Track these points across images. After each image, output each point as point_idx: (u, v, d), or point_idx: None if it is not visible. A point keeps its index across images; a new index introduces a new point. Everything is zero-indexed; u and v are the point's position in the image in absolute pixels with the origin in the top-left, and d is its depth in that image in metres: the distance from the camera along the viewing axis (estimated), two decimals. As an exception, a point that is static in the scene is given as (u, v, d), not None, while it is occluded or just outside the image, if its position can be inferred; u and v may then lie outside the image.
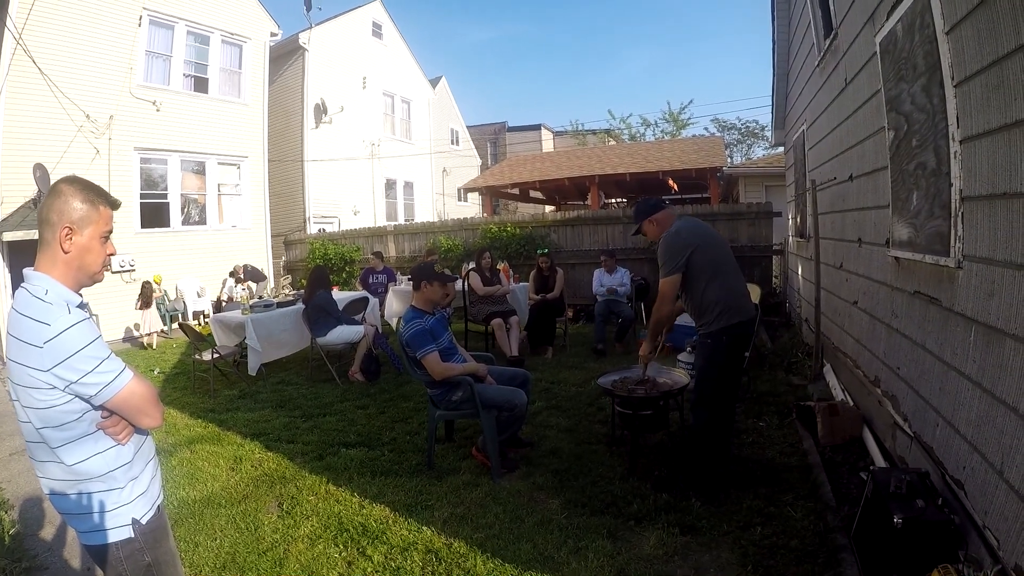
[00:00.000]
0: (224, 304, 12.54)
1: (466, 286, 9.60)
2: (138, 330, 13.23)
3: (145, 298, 12.85)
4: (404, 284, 11.97)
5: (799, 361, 8.08)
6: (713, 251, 4.50)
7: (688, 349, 6.81)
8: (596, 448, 5.61)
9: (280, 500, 4.64)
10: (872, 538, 3.49)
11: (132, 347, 12.66)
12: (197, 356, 8.13)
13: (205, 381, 7.75)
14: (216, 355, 7.90)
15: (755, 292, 8.79)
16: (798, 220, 9.60)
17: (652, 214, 4.71)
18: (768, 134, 15.80)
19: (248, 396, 7.39)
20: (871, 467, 4.31)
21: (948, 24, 3.26)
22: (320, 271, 8.91)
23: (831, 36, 6.40)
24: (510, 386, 5.30)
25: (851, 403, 5.87)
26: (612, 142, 39.18)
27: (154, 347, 12.58)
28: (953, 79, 3.26)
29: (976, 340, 3.19)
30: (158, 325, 13.09)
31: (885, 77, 4.39)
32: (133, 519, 2.21)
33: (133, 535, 2.21)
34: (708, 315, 4.41)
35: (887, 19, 4.19)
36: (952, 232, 3.38)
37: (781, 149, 12.83)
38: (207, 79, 16.63)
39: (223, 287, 14.68)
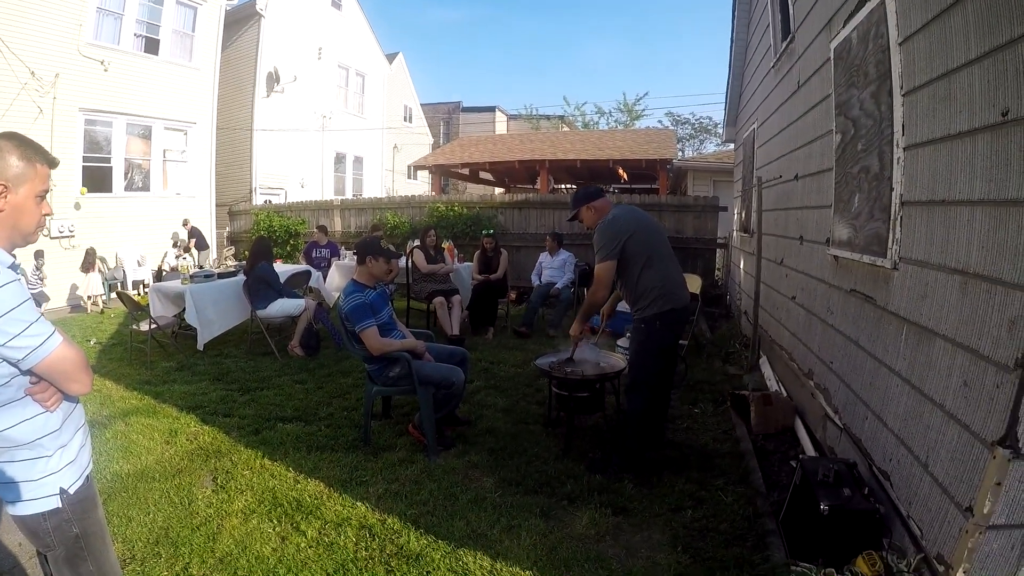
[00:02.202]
0: (165, 274, 12.25)
1: (410, 263, 9.56)
2: (82, 294, 12.87)
3: (88, 262, 12.53)
4: (348, 259, 11.87)
5: (736, 352, 8.32)
6: (649, 238, 4.59)
7: (627, 335, 6.95)
8: (532, 428, 5.69)
9: (215, 474, 4.59)
10: (800, 524, 3.64)
11: (76, 313, 12.28)
12: (134, 326, 7.94)
13: (142, 352, 7.57)
14: (154, 325, 7.72)
15: (696, 283, 8.95)
16: (743, 215, 9.81)
17: (590, 201, 4.78)
18: (720, 130, 16.07)
19: (185, 368, 7.26)
20: (801, 456, 4.48)
21: (902, 35, 3.38)
22: (263, 242, 8.77)
23: (788, 39, 6.53)
24: (448, 364, 5.33)
25: (785, 394, 6.07)
26: (565, 128, 39.31)
27: (100, 310, 12.32)
28: (902, 88, 3.39)
29: (908, 339, 3.34)
30: (100, 290, 12.78)
31: (837, 82, 4.53)
32: (61, 489, 2.15)
33: (61, 505, 2.16)
34: (643, 301, 4.50)
35: (843, 27, 4.31)
36: (890, 234, 3.54)
37: (731, 146, 13.08)
38: (158, 40, 16.02)
39: (164, 257, 14.35)
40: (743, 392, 6.02)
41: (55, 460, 2.14)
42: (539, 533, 3.91)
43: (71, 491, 2.18)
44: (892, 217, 3.52)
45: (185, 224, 14.74)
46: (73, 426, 2.24)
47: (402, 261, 9.41)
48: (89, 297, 12.63)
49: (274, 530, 3.88)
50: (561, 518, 4.13)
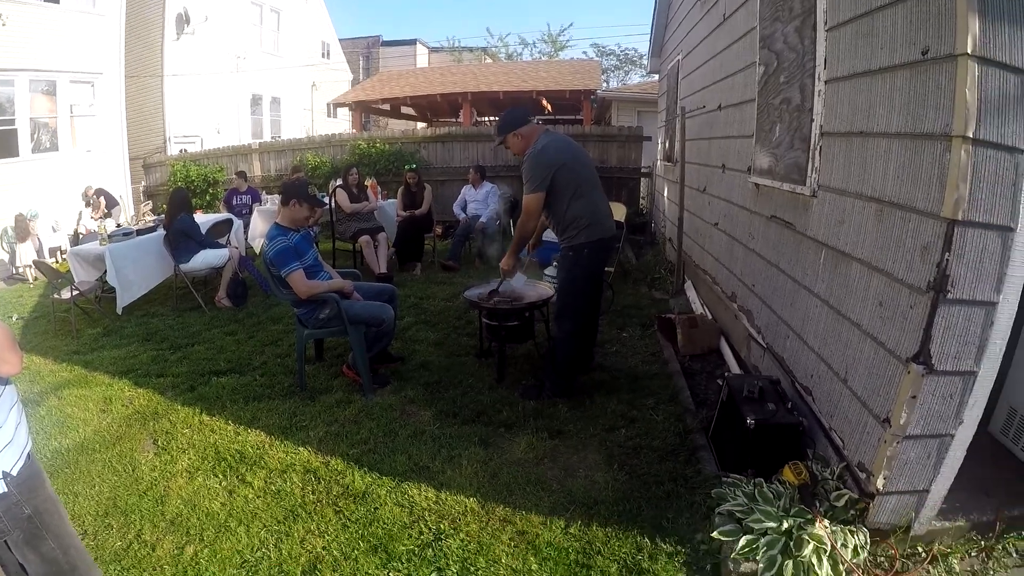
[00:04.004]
0: (82, 237, 11.66)
1: (333, 203, 9.45)
2: (19, 264, 12.14)
3: (20, 232, 11.83)
4: (270, 204, 11.51)
5: (662, 277, 8.54)
6: (579, 169, 4.61)
7: (554, 264, 7.05)
8: (465, 360, 5.78)
9: (155, 437, 4.51)
10: (728, 438, 3.85)
11: (13, 285, 11.60)
12: (56, 295, 7.55)
13: (66, 322, 7.24)
14: (76, 292, 7.35)
15: (621, 211, 9.11)
16: (667, 145, 9.93)
17: (517, 127, 4.70)
18: (645, 62, 16.07)
19: (113, 333, 7.01)
20: (726, 374, 4.70)
21: (828, -28, 3.47)
22: (180, 193, 8.40)
23: (713, -30, 6.53)
24: (377, 302, 5.32)
25: (710, 316, 6.32)
26: (489, 61, 38.63)
27: (32, 282, 11.69)
28: (826, 24, 3.50)
29: (825, 262, 3.54)
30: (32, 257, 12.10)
31: (762, 16, 4.62)
32: (3, 472, 2.12)
33: (7, 489, 2.12)
34: (571, 230, 4.54)
35: (769, -40, 4.39)
36: (810, 164, 3.70)
37: (656, 77, 13.13)
38: (58, -13, 14.71)
39: (79, 219, 13.66)
40: (669, 316, 6.23)
41: None
42: (479, 461, 4.04)
43: (14, 473, 2.15)
44: (812, 147, 3.67)
45: (87, 192, 13.92)
46: (6, 407, 2.19)
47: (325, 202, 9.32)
48: (28, 266, 11.84)
49: (220, 485, 3.87)
50: (500, 445, 4.26)
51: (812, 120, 3.65)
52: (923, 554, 2.96)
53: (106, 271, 7.58)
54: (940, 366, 2.52)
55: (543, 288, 5.49)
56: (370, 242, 9.04)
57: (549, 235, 5.28)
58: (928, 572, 2.89)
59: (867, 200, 3.03)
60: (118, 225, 10.55)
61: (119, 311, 7.52)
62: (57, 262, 12.19)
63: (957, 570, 2.89)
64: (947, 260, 2.36)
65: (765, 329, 4.65)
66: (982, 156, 2.26)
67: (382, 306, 5.19)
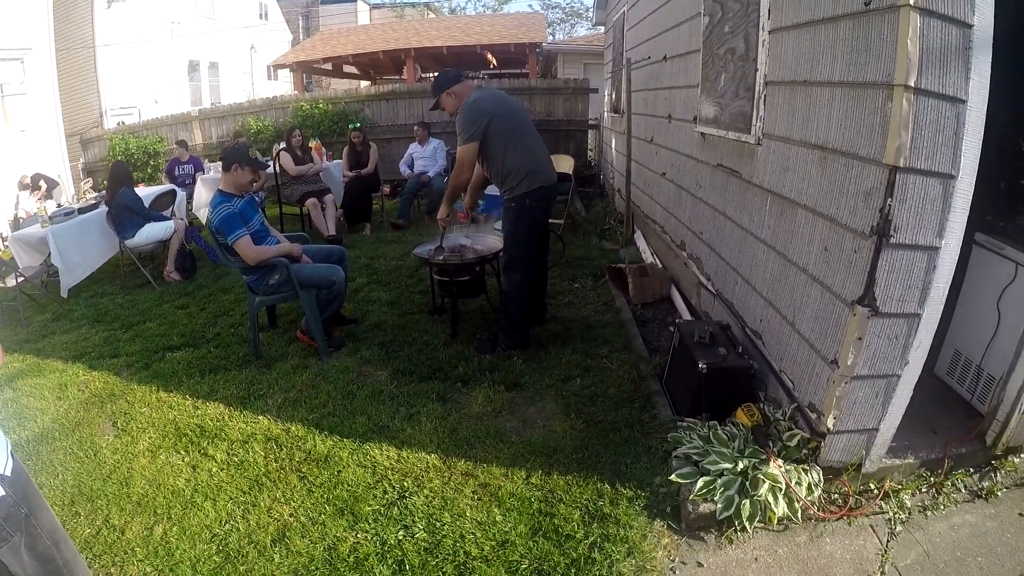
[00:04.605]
0: (22, 221, 11.19)
1: (277, 167, 9.29)
2: None
3: None
4: (212, 172, 11.12)
5: (612, 228, 8.63)
6: (511, 119, 4.65)
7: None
8: (419, 318, 5.80)
9: (114, 419, 4.43)
10: (681, 383, 3.94)
11: None
12: (1, 284, 7.36)
13: (14, 311, 6.96)
14: (21, 279, 7.12)
15: (569, 164, 9.13)
16: (614, 97, 9.93)
17: (450, 87, 4.71)
18: (591, 14, 15.93)
19: (62, 317, 6.81)
20: (678, 320, 4.80)
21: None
22: (120, 167, 8.14)
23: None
24: (327, 264, 5.29)
25: (660, 265, 6.42)
26: (432, 16, 37.99)
27: None
28: (770, -27, 3.51)
29: (771, 209, 3.61)
30: None
31: (706, -35, 4.61)
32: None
33: (3, 492, 2.04)
34: (511, 181, 4.58)
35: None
36: (754, 112, 3.75)
37: (602, 29, 13.06)
38: (-21, -40, 13.69)
39: (17, 203, 13.12)
40: (620, 265, 6.30)
41: None
42: (438, 417, 4.09)
43: (8, 473, 2.08)
44: (756, 96, 3.71)
45: (23, 180, 13.37)
46: None
47: (269, 168, 9.15)
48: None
49: (183, 461, 3.85)
50: (458, 400, 4.32)
51: (756, 70, 3.69)
52: (875, 491, 3.09)
53: (50, 254, 7.30)
54: (885, 308, 2.60)
55: (492, 241, 5.51)
56: (317, 204, 8.95)
57: (495, 188, 5.27)
58: (881, 508, 3.03)
59: (811, 148, 3.08)
60: (59, 205, 10.12)
61: (63, 294, 7.29)
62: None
63: (908, 505, 3.02)
64: (890, 206, 2.43)
65: (714, 276, 4.74)
66: (924, 105, 2.32)
67: (332, 268, 5.16)
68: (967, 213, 2.48)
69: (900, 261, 2.53)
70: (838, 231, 2.84)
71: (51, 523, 2.24)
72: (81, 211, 8.12)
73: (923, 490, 3.11)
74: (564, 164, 8.93)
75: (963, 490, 3.10)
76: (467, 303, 5.87)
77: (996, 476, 3.12)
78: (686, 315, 5.33)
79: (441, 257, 5.16)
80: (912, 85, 2.29)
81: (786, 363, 3.44)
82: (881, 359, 2.73)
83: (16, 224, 10.82)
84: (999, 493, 3.05)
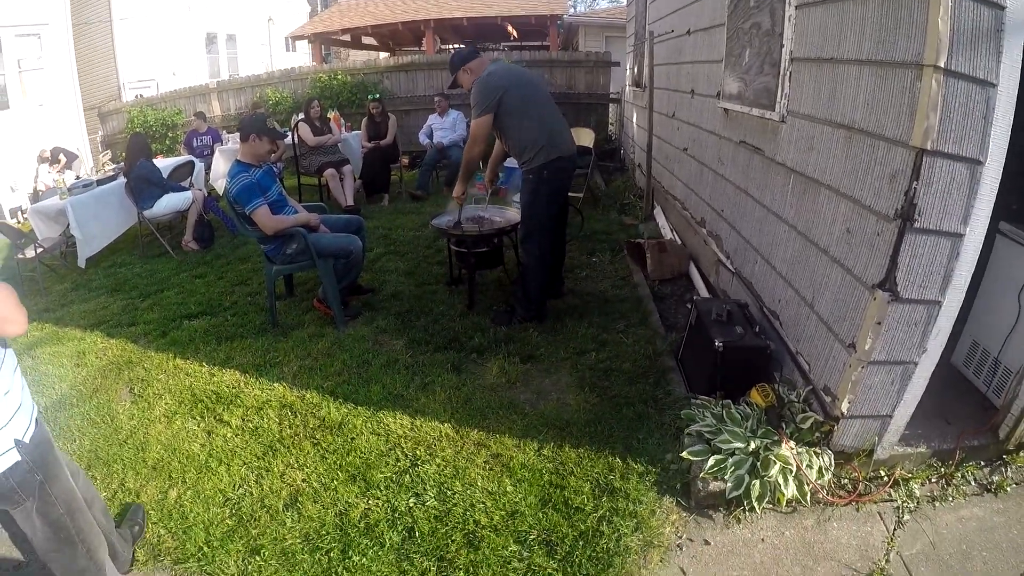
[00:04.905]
0: (41, 194, 11.24)
1: (295, 138, 9.29)
2: None
3: None
4: (231, 143, 11.32)
5: (631, 203, 8.58)
6: (526, 91, 4.63)
7: (522, 189, 7.05)
8: (436, 288, 5.82)
9: (131, 385, 4.49)
10: (697, 360, 3.94)
11: None
12: (20, 255, 7.29)
13: (33, 281, 7.03)
14: (40, 250, 7.20)
15: (590, 137, 9.07)
16: (636, 70, 9.79)
17: (466, 63, 4.72)
18: (614, -14, 15.73)
19: (81, 287, 6.88)
20: (695, 297, 4.78)
21: None
22: (139, 139, 8.20)
23: None
24: (345, 233, 5.30)
25: (679, 241, 6.37)
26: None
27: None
28: (797, -52, 3.43)
29: (794, 188, 3.56)
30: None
31: (732, -63, 4.52)
32: (16, 441, 2.08)
33: (20, 458, 2.09)
34: (528, 153, 4.56)
35: None
36: (779, 89, 3.68)
37: (624, 1, 12.90)
38: (-5, -65, 13.53)
39: (36, 176, 13.16)
40: (639, 240, 6.28)
41: (2, 413, 2.07)
42: (453, 387, 4.12)
43: (26, 440, 2.12)
44: (782, 72, 3.64)
45: (42, 154, 13.40)
46: (10, 371, 2.15)
47: (287, 137, 9.15)
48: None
49: (199, 426, 3.90)
50: (472, 371, 4.34)
51: (782, 45, 3.62)
52: (885, 478, 3.09)
53: (69, 225, 7.38)
54: (905, 294, 2.57)
55: (511, 213, 5.49)
56: (335, 175, 8.95)
57: (514, 161, 5.25)
58: (890, 495, 3.02)
59: (836, 127, 3.04)
60: (77, 177, 10.17)
61: (81, 264, 7.35)
62: (19, 222, 11.81)
63: (917, 495, 3.02)
64: (915, 189, 2.39)
65: (734, 254, 4.70)
66: (953, 87, 2.26)
67: (350, 238, 5.17)
68: (993, 201, 2.43)
69: (923, 246, 2.49)
70: (861, 213, 2.80)
71: (68, 494, 2.28)
72: (100, 183, 8.21)
73: (933, 480, 3.10)
74: (585, 137, 8.87)
75: (973, 483, 3.08)
76: (484, 275, 5.87)
77: (1007, 471, 3.10)
78: (704, 292, 5.31)
79: (460, 228, 5.15)
80: (942, 66, 2.23)
81: (803, 345, 3.42)
82: (899, 345, 2.70)
83: (36, 197, 10.92)
84: (1008, 488, 3.03)
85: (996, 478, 3.06)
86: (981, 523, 2.88)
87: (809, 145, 3.36)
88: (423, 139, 10.46)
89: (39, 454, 2.17)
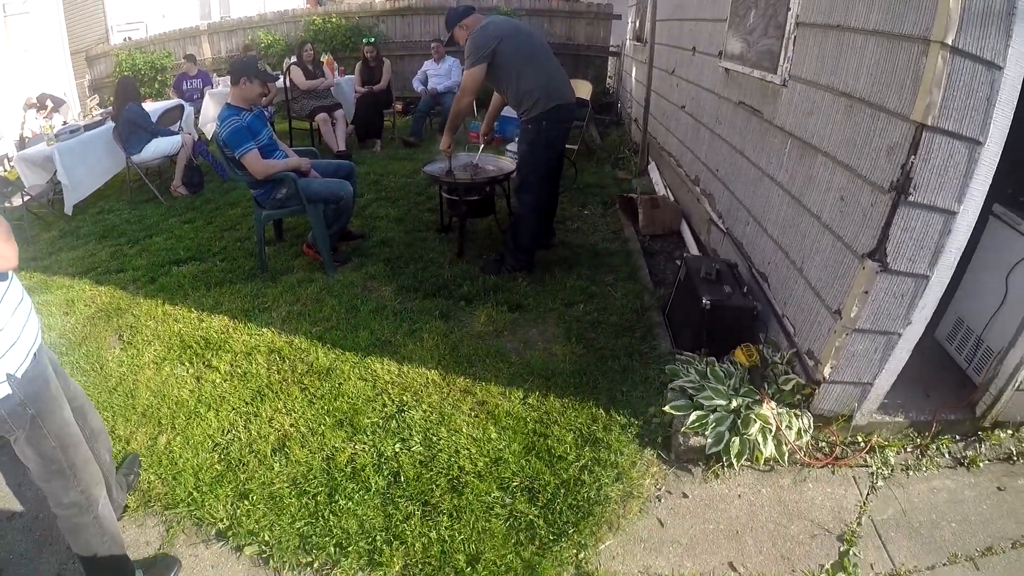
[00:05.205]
0: (27, 141, 10.99)
1: (287, 81, 9.14)
2: None
3: None
4: (221, 87, 11.11)
5: (626, 158, 8.55)
6: (522, 41, 4.61)
7: (515, 139, 7.01)
8: (426, 236, 5.83)
9: (120, 332, 4.46)
10: (684, 317, 3.98)
11: None
12: (7, 204, 7.17)
13: (21, 229, 6.76)
14: (27, 197, 7.08)
15: (587, 89, 8.97)
16: (637, 25, 9.69)
17: (461, 19, 4.71)
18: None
19: (69, 234, 6.76)
20: (685, 255, 4.81)
21: None
22: (127, 82, 7.93)
23: None
24: (335, 178, 5.28)
25: (672, 198, 6.40)
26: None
27: None
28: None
29: (791, 152, 3.57)
30: None
31: None
32: (8, 375, 2.09)
33: (11, 391, 2.11)
34: (527, 103, 4.55)
35: None
36: (783, 52, 3.67)
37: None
38: None
39: (23, 123, 12.86)
40: (631, 195, 6.30)
41: None
42: (440, 334, 4.16)
43: (19, 375, 2.13)
44: (786, 36, 3.62)
45: (28, 101, 13.07)
46: (9, 307, 2.14)
47: (279, 81, 9.03)
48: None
49: (188, 372, 3.92)
50: (460, 319, 4.39)
51: (788, 9, 3.59)
52: (862, 444, 3.17)
53: (56, 172, 7.24)
54: (894, 266, 2.61)
55: (504, 162, 5.49)
56: (327, 119, 8.88)
57: (510, 111, 5.25)
58: (865, 461, 3.10)
59: (838, 94, 3.04)
60: (64, 123, 9.96)
61: (68, 211, 7.23)
62: (6, 170, 11.61)
63: (892, 463, 3.09)
64: (912, 163, 2.41)
65: (726, 214, 4.73)
66: (959, 65, 2.26)
67: (340, 183, 5.16)
68: (989, 182, 2.45)
69: (916, 220, 2.52)
70: (856, 182, 2.82)
71: (61, 429, 2.30)
72: (87, 128, 8.02)
73: (908, 450, 3.18)
74: (582, 89, 8.78)
75: (947, 456, 3.15)
76: (475, 223, 5.88)
77: (980, 447, 3.17)
78: (694, 250, 5.34)
79: (452, 176, 5.14)
80: (950, 43, 2.23)
81: (789, 308, 3.47)
82: (884, 316, 2.75)
83: (22, 144, 10.69)
84: (981, 464, 3.10)
85: (970, 453, 3.14)
86: (952, 495, 2.96)
87: (809, 111, 3.36)
88: (417, 85, 10.35)
89: (32, 389, 2.18)
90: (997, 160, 2.41)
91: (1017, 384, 2.99)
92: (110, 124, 7.87)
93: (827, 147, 3.13)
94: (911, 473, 3.07)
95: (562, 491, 2.90)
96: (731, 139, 4.68)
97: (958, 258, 2.62)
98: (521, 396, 3.54)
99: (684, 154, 6.15)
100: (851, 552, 2.65)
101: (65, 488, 2.34)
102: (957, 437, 3.21)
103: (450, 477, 3.00)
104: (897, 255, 2.59)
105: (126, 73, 13.59)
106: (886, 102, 2.60)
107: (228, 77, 5.48)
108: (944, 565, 2.61)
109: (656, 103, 7.50)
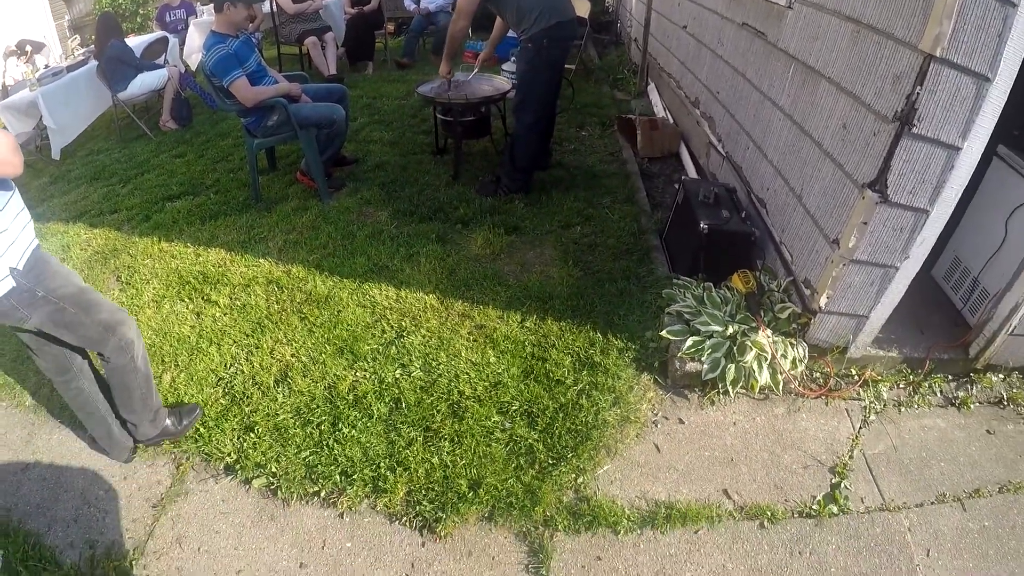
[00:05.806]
0: (9, 88, 10.65)
1: (274, 6, 8.89)
2: None
3: None
4: (206, 15, 10.71)
5: (625, 78, 8.39)
6: None
7: (512, 59, 6.89)
8: (421, 158, 5.79)
9: (118, 274, 4.43)
10: (681, 241, 4.00)
11: None
12: None
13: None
14: None
15: (586, 7, 8.73)
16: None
17: None
18: None
19: (59, 179, 6.61)
20: (684, 178, 4.79)
21: None
22: (107, 18, 7.77)
23: None
24: (327, 102, 5.19)
25: (671, 121, 6.31)
26: None
27: None
28: None
29: (794, 77, 3.52)
30: None
31: None
32: (10, 268, 2.23)
33: (16, 283, 2.26)
34: (527, 21, 4.45)
35: None
36: (789, -28, 3.57)
37: None
38: None
39: (4, 71, 12.42)
40: (630, 116, 6.20)
41: None
42: (437, 258, 4.18)
43: (20, 267, 2.26)
44: (793, -45, 3.52)
45: (7, 49, 12.56)
46: (11, 213, 2.26)
47: (265, 6, 8.81)
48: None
49: (187, 308, 3.92)
50: (457, 241, 4.40)
51: (797, -75, 3.49)
52: (856, 376, 3.22)
53: (42, 117, 7.03)
54: (894, 198, 2.60)
55: (500, 82, 5.42)
56: (317, 43, 8.69)
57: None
58: (859, 394, 3.16)
59: (844, 19, 2.97)
60: (46, 66, 9.64)
61: (55, 156, 7.07)
62: None
63: (885, 397, 3.15)
64: (918, 93, 2.37)
65: (726, 137, 4.69)
66: (972, -3, 2.21)
67: (332, 107, 5.07)
68: (995, 122, 2.42)
69: (918, 153, 2.50)
70: (860, 110, 2.79)
71: (76, 297, 2.46)
72: (70, 69, 7.78)
73: (901, 386, 3.23)
74: (581, 7, 8.54)
75: (939, 395, 3.20)
76: (470, 145, 5.81)
77: (972, 389, 3.21)
78: (693, 173, 5.31)
79: (446, 96, 5.06)
80: (963, -27, 2.17)
81: (787, 235, 3.47)
82: (882, 248, 2.76)
83: (5, 93, 10.37)
84: (971, 406, 3.15)
85: (961, 394, 3.19)
86: (942, 434, 3.01)
87: (814, 35, 3.29)
88: (409, 5, 10.11)
89: (35, 275, 2.34)
90: (1005, 99, 2.37)
91: (1011, 328, 3.01)
92: (93, 63, 7.65)
93: (831, 73, 3.08)
94: (903, 409, 3.12)
95: (560, 415, 2.96)
96: (733, 61, 4.60)
97: (959, 195, 2.61)
98: (519, 319, 3.58)
99: (684, 75, 6.04)
100: (842, 484, 2.72)
101: (104, 341, 2.54)
102: (949, 377, 3.26)
103: (450, 402, 3.06)
104: (898, 187, 2.58)
105: (106, 9, 13.22)
106: (894, 30, 2.55)
107: (212, 5, 5.31)
108: (932, 504, 2.68)
109: (657, 22, 7.33)
